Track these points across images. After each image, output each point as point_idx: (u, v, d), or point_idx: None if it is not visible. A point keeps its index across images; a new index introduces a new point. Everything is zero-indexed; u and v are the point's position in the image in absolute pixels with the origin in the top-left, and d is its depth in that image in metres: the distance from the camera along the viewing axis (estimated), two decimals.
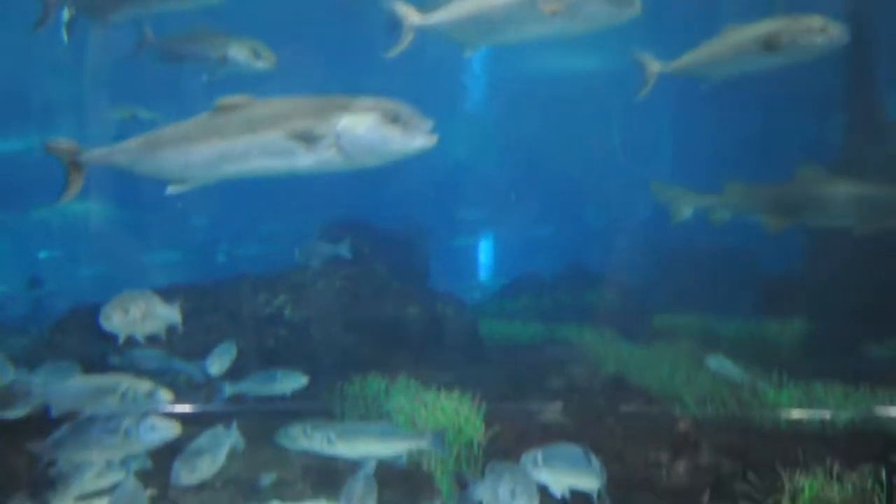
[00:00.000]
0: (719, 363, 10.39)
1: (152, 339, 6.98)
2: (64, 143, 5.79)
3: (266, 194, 22.14)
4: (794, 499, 6.58)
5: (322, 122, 4.86)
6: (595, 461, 6.16)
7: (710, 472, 6.80)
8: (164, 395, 5.39)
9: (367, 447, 6.72)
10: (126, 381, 5.45)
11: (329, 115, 4.90)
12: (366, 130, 4.85)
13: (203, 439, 5.93)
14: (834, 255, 15.92)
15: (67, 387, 5.63)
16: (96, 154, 5.79)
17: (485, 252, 32.40)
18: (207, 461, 5.90)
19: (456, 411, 8.27)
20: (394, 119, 4.91)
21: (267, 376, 8.60)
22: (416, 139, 4.99)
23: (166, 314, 6.60)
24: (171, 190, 5.41)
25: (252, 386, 8.52)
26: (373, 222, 14.93)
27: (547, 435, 7.67)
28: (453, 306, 13.78)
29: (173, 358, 9.21)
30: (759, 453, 7.05)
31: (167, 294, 7.44)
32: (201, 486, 7.30)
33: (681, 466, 6.82)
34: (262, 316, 11.08)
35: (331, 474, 8.20)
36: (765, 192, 11.63)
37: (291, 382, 8.61)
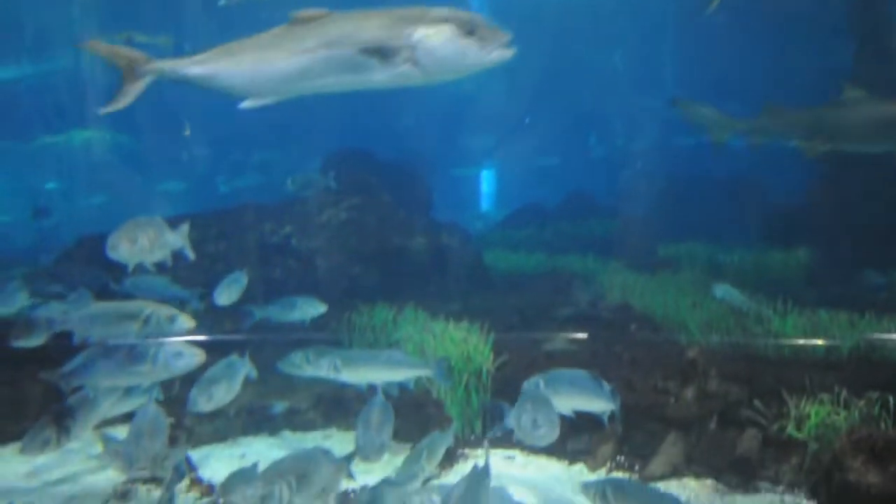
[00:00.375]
0: (725, 291, 10.42)
1: (160, 268, 6.93)
2: (127, 51, 5.37)
3: (270, 123, 21.86)
4: (799, 425, 6.67)
5: (397, 36, 4.61)
6: (605, 385, 6.21)
7: (717, 399, 6.87)
8: (186, 320, 5.35)
9: (372, 374, 6.68)
10: (149, 307, 5.41)
11: (404, 28, 4.64)
12: (441, 43, 4.60)
13: (218, 368, 5.95)
14: (840, 186, 15.88)
15: (89, 313, 5.57)
16: (165, 65, 5.33)
17: (487, 182, 32.23)
18: (224, 389, 5.93)
19: (465, 340, 8.32)
20: (469, 31, 4.66)
21: (287, 303, 8.60)
22: (493, 52, 4.74)
23: (174, 241, 6.49)
24: (246, 105, 5.12)
25: (275, 311, 8.53)
26: (376, 152, 14.75)
27: (554, 363, 7.69)
28: (458, 236, 13.75)
29: (174, 285, 9.19)
30: (765, 380, 7.09)
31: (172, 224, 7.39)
32: (215, 415, 7.41)
33: (689, 393, 6.88)
34: (268, 246, 11.04)
35: (341, 403, 8.31)
36: (805, 115, 10.99)
37: (311, 309, 8.60)
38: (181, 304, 9.05)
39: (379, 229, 11.77)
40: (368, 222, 11.70)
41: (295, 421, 8.10)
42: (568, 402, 6.29)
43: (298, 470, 4.58)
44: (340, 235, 11.44)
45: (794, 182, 18.20)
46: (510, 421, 5.52)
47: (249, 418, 7.94)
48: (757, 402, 6.83)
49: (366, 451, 5.41)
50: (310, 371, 6.80)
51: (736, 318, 10.17)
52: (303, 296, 8.73)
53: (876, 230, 14.61)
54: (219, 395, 5.81)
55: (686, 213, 18.60)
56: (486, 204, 30.97)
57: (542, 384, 6.38)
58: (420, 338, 8.71)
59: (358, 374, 6.62)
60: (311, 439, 8.01)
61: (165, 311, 5.35)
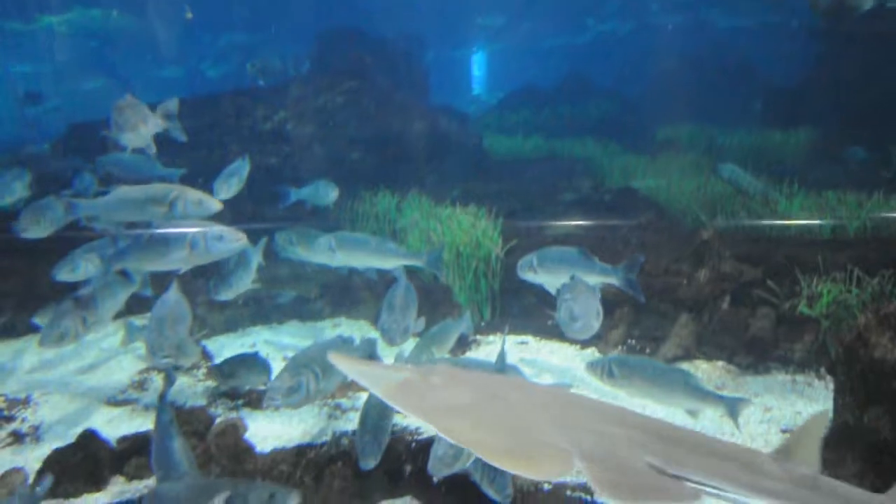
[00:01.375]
0: (731, 172, 10.27)
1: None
2: None
3: (256, 4, 20.89)
4: (812, 303, 6.68)
5: None
6: (596, 260, 6.17)
7: (730, 280, 6.83)
8: (214, 203, 5.16)
9: (366, 259, 6.69)
10: (174, 190, 5.21)
11: None
12: None
13: (233, 257, 5.85)
14: (840, 64, 15.56)
15: (112, 199, 5.35)
16: None
17: (478, 65, 31.33)
18: (242, 277, 5.87)
19: (473, 226, 8.20)
20: None
21: (314, 187, 8.44)
22: None
23: (156, 124, 6.18)
24: None
25: (307, 194, 8.42)
26: (370, 31, 14.12)
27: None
28: (457, 120, 13.42)
29: (156, 163, 9.00)
30: (778, 260, 7.05)
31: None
32: (224, 305, 7.36)
33: (702, 275, 6.84)
34: (262, 132, 10.70)
35: (349, 291, 8.27)
36: None
37: (331, 193, 8.42)
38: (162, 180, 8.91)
39: (377, 113, 11.41)
40: (366, 106, 11.32)
41: (303, 310, 8.08)
42: (558, 278, 6.25)
43: (323, 359, 4.52)
44: (337, 120, 11.09)
45: (792, 63, 17.83)
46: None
47: (258, 308, 7.91)
48: (770, 282, 6.80)
49: (391, 335, 5.37)
50: (305, 254, 6.74)
51: (741, 199, 10.09)
52: (322, 179, 8.52)
53: (868, 108, 14.49)
54: (238, 282, 5.75)
55: (683, 95, 18.16)
56: (477, 87, 30.21)
57: (534, 261, 6.37)
58: (426, 224, 8.58)
59: (351, 258, 6.63)
60: (319, 328, 8.01)
61: (192, 194, 5.14)
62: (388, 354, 6.09)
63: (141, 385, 6.42)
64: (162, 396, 4.58)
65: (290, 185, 8.39)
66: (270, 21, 21.07)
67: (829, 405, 5.76)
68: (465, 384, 2.41)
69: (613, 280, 6.13)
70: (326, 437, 5.09)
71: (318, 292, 8.15)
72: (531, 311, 7.79)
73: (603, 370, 5.37)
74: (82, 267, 5.90)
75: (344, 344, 5.10)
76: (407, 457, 4.75)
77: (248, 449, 4.52)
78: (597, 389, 5.89)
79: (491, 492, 3.79)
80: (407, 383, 2.33)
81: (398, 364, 3.18)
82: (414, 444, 4.96)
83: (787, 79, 17.13)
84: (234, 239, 5.00)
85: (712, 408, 5.20)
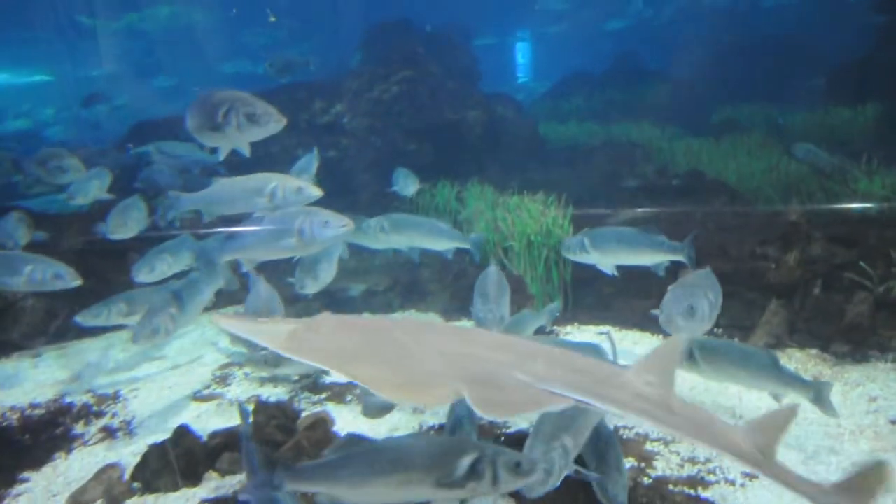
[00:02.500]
0: (807, 151, 9.86)
1: None
2: None
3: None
4: None
5: None
6: (659, 237, 5.96)
7: (822, 263, 6.48)
8: (314, 190, 5.05)
9: (416, 239, 6.79)
10: (274, 179, 5.09)
11: None
12: None
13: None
14: None
15: (213, 192, 5.29)
16: None
17: (522, 52, 30.93)
18: (326, 269, 5.77)
19: (542, 214, 7.96)
20: None
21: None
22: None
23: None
24: None
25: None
26: (417, 22, 13.92)
27: None
28: (512, 108, 13.19)
29: (199, 150, 9.08)
30: (870, 241, 6.67)
31: None
32: (296, 298, 7.26)
33: (791, 258, 6.51)
34: (320, 125, 10.59)
35: (417, 285, 8.12)
36: None
37: (412, 184, 8.41)
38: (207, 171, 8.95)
39: (431, 103, 11.21)
40: (420, 96, 11.13)
41: (373, 303, 7.94)
42: (615, 258, 6.17)
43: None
44: (393, 111, 10.93)
45: (854, 36, 17.15)
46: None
47: (329, 301, 7.77)
48: (863, 264, 6.44)
49: (486, 323, 5.21)
50: (357, 237, 6.69)
51: (818, 179, 9.69)
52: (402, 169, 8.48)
53: None
54: (323, 275, 5.66)
55: (740, 74, 17.62)
56: (522, 75, 29.81)
57: (586, 242, 6.17)
58: (491, 213, 8.37)
59: (403, 238, 6.74)
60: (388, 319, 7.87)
61: (291, 182, 5.03)
62: None
63: (224, 380, 6.38)
64: None
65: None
66: (316, 15, 21.00)
67: None
68: (353, 328, 2.59)
69: (681, 257, 5.96)
70: (414, 430, 4.95)
71: (388, 284, 8.01)
72: (608, 302, 7.53)
73: (684, 353, 5.13)
74: (159, 268, 5.88)
75: None
76: None
77: (326, 418, 4.44)
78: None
79: (604, 501, 3.58)
80: (296, 333, 2.47)
81: (285, 318, 3.06)
82: (503, 438, 4.80)
83: (849, 53, 16.45)
84: (340, 224, 4.82)
85: (798, 392, 4.90)
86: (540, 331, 6.67)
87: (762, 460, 2.23)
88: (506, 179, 10.42)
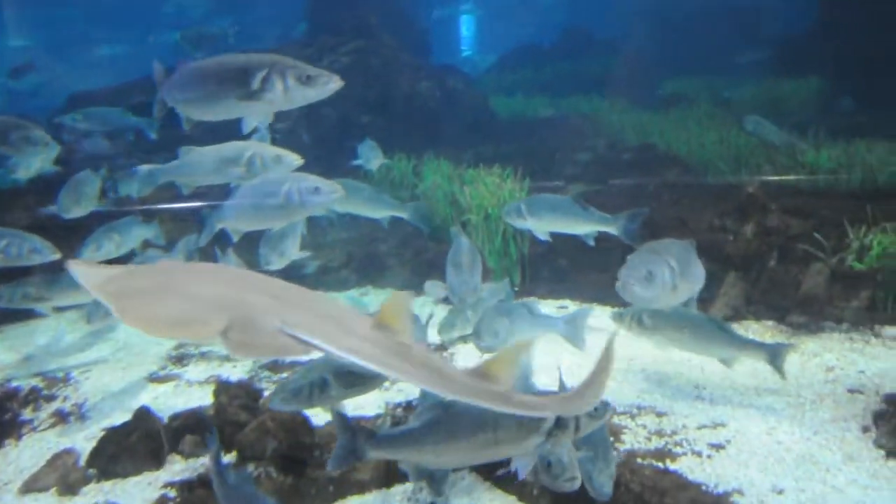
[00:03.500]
0: (756, 124, 9.98)
1: None
2: None
3: None
4: (860, 255, 6.46)
5: None
6: (590, 208, 5.96)
7: (778, 235, 6.57)
8: (294, 158, 4.84)
9: (353, 207, 6.77)
10: (251, 148, 4.85)
11: None
12: None
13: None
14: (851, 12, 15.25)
15: (186, 162, 5.03)
16: None
17: (466, 24, 30.64)
18: (291, 244, 5.62)
19: (498, 187, 7.89)
20: None
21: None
22: None
23: None
24: None
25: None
26: None
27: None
28: (462, 81, 13.02)
29: (127, 114, 8.86)
30: (823, 213, 6.81)
31: None
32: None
33: (748, 230, 6.58)
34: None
35: (374, 259, 7.99)
36: None
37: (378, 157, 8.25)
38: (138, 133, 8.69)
39: (384, 74, 10.99)
40: (373, 67, 10.90)
41: (328, 279, 7.78)
42: (549, 225, 6.13)
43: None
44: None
45: (793, 11, 17.45)
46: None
47: (283, 278, 7.57)
48: (817, 235, 6.56)
49: (461, 293, 5.20)
50: None
51: (766, 152, 9.84)
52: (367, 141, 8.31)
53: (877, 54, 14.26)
54: (289, 250, 5.51)
55: (686, 47, 17.75)
56: (466, 48, 29.54)
57: (522, 207, 6.15)
58: (448, 187, 8.27)
59: (345, 205, 6.66)
60: (347, 297, 7.73)
61: (269, 151, 4.82)
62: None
63: (180, 360, 6.19)
64: None
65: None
66: None
67: (891, 363, 5.62)
68: (152, 272, 2.76)
69: (612, 229, 5.91)
70: (380, 409, 4.85)
71: (343, 260, 7.86)
72: (564, 275, 7.54)
73: (632, 319, 5.13)
74: (106, 246, 5.63)
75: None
76: None
77: (304, 421, 4.31)
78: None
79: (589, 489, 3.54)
80: (112, 276, 2.62)
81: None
82: None
83: (793, 26, 16.75)
84: (331, 191, 4.64)
85: (752, 356, 5.00)
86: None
87: (499, 394, 2.46)
88: (458, 153, 10.31)
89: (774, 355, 4.92)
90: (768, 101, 13.98)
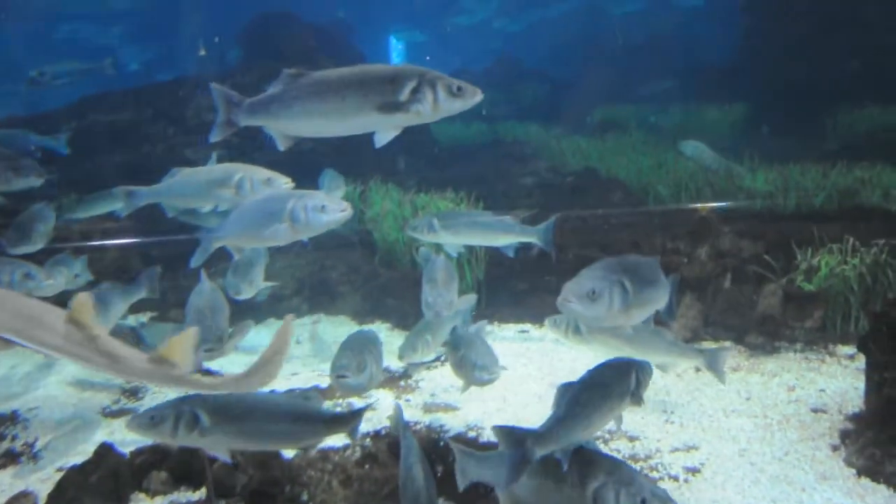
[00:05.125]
0: (694, 148, 10.23)
1: None
2: None
3: None
4: (808, 276, 6.63)
5: None
6: (508, 219, 5.90)
7: (732, 257, 6.69)
8: (284, 181, 4.61)
9: (473, 237, 6.34)
10: (241, 170, 4.66)
11: None
12: None
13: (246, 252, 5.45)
14: (767, 38, 15.97)
15: (174, 184, 4.87)
16: None
17: (395, 51, 30.74)
18: (259, 272, 5.42)
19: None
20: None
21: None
22: None
23: None
24: None
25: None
26: (300, 13, 13.40)
27: None
28: None
29: (33, 134, 8.56)
30: (773, 236, 6.97)
31: None
32: None
33: (702, 252, 6.67)
34: (209, 122, 9.91)
35: (326, 286, 7.80)
36: None
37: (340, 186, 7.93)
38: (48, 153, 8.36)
39: None
40: None
41: (279, 308, 7.52)
42: (465, 239, 6.11)
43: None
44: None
45: (717, 40, 18.14)
46: None
47: (232, 307, 7.29)
48: (766, 257, 6.71)
49: (437, 308, 5.06)
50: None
51: (706, 175, 10.08)
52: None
53: (798, 81, 14.96)
54: (258, 278, 5.31)
55: (616, 75, 18.20)
56: None
57: (435, 223, 6.01)
58: (399, 212, 8.14)
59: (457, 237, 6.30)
60: (299, 325, 7.49)
61: (259, 173, 4.60)
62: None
63: (134, 394, 5.85)
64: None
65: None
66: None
67: (848, 381, 5.74)
68: None
69: (534, 239, 5.87)
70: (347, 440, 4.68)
71: (294, 288, 7.62)
72: (523, 298, 7.50)
73: (568, 327, 5.12)
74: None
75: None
76: (436, 457, 4.37)
77: (276, 455, 4.16)
78: None
79: None
80: None
81: None
82: (442, 444, 4.61)
83: (717, 55, 17.40)
84: (338, 209, 4.29)
85: (690, 361, 5.14)
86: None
87: (176, 376, 2.70)
88: (404, 179, 10.21)
89: (713, 360, 4.96)
90: (697, 127, 14.39)
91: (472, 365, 4.60)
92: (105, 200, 5.92)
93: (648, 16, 24.09)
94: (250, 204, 4.51)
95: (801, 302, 6.29)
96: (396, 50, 30.59)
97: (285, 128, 4.06)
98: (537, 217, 8.36)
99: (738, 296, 6.52)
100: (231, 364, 5.82)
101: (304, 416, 3.74)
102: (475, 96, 3.74)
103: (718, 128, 14.39)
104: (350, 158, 10.36)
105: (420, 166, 11.42)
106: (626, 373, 3.72)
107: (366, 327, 7.41)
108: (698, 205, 7.55)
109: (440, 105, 3.74)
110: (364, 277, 7.71)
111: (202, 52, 13.15)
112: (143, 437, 3.48)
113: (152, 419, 3.38)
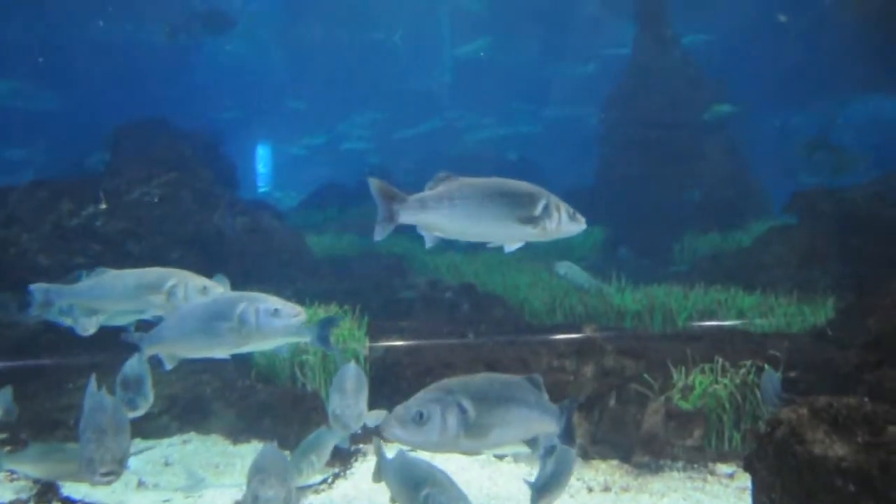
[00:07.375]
0: (567, 268, 10.64)
1: None
2: None
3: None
4: (685, 394, 6.86)
5: None
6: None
7: (615, 375, 6.84)
8: (220, 289, 4.26)
9: None
10: (174, 276, 4.35)
11: None
12: None
13: (132, 364, 5.00)
14: (623, 168, 17.28)
15: (98, 284, 4.48)
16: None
17: (263, 161, 30.62)
18: (149, 386, 5.00)
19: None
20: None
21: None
22: None
23: None
24: None
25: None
26: (173, 120, 13.12)
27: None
28: (275, 217, 12.79)
29: None
30: (652, 356, 7.20)
31: None
32: (56, 424, 6.25)
33: (588, 370, 6.79)
34: (68, 228, 9.34)
35: (199, 403, 7.31)
36: None
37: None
38: None
39: (198, 208, 10.49)
40: (185, 200, 10.38)
41: (145, 427, 6.89)
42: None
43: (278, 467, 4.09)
44: (154, 215, 10.02)
45: (585, 164, 19.37)
46: None
47: None
48: (646, 376, 6.91)
49: (345, 420, 4.83)
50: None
51: (578, 294, 10.46)
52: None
53: (650, 205, 16.20)
54: (150, 392, 4.88)
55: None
56: (263, 184, 29.32)
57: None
58: None
59: None
60: (166, 445, 6.90)
61: (195, 280, 4.24)
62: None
63: None
64: None
65: None
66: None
67: (731, 502, 5.88)
68: None
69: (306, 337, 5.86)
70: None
71: (164, 405, 7.05)
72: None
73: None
74: None
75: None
76: None
77: None
78: None
79: None
80: None
81: None
82: None
83: (577, 178, 18.50)
84: (292, 314, 4.10)
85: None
86: (342, 451, 6.26)
87: None
88: (278, 290, 9.89)
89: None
90: (564, 247, 15.01)
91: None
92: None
93: (500, 141, 25.63)
94: (193, 306, 4.26)
95: (682, 420, 6.46)
96: (264, 160, 30.49)
97: (437, 226, 4.15)
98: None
99: (623, 414, 6.62)
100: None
101: None
102: (583, 223, 4.25)
103: (580, 250, 15.08)
104: (221, 267, 9.98)
105: (295, 277, 11.18)
106: None
107: (241, 447, 6.99)
108: (589, 323, 7.77)
109: (562, 225, 4.20)
110: (240, 394, 7.29)
111: None
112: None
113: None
